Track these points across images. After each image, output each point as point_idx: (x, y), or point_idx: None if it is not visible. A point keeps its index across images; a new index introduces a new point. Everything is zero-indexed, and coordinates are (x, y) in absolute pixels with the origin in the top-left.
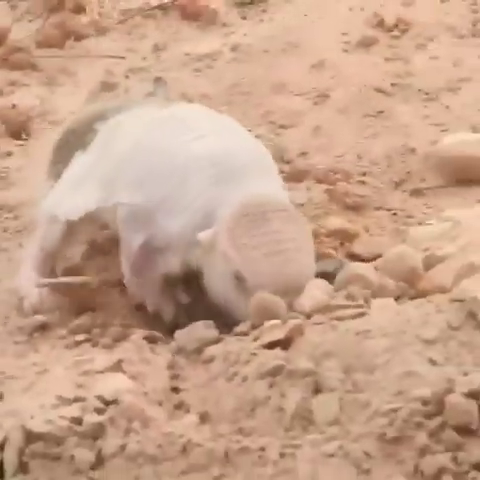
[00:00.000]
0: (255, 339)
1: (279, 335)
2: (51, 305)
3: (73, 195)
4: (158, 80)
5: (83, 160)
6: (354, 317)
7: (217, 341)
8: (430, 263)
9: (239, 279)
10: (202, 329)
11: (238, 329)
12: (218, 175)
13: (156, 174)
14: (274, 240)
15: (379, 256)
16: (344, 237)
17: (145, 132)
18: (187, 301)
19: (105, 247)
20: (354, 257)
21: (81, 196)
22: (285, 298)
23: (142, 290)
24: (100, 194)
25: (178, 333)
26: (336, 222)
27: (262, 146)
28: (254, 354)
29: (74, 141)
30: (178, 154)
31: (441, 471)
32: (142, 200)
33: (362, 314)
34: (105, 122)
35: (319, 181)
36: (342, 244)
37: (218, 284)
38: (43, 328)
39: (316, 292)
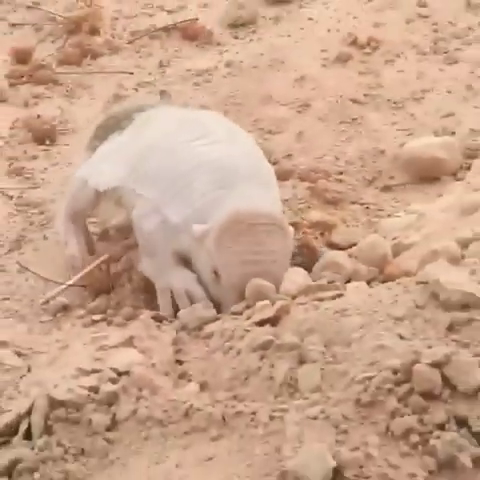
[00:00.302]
0: (248, 318)
1: (269, 314)
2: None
3: (103, 168)
4: (163, 92)
5: (117, 141)
6: (333, 298)
7: (215, 320)
8: (398, 250)
9: (216, 274)
10: (202, 309)
11: (233, 309)
12: (221, 180)
13: (169, 175)
14: (255, 251)
15: (354, 244)
16: (324, 228)
17: (168, 131)
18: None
19: (114, 237)
20: (333, 245)
21: (108, 172)
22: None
23: (156, 270)
24: (123, 174)
25: (181, 313)
26: (317, 215)
27: (265, 160)
28: (247, 330)
29: (113, 124)
30: (189, 159)
31: (409, 431)
32: (155, 196)
33: (339, 295)
34: (142, 114)
35: (302, 179)
36: (322, 234)
37: (202, 271)
38: (65, 309)
39: (296, 278)
